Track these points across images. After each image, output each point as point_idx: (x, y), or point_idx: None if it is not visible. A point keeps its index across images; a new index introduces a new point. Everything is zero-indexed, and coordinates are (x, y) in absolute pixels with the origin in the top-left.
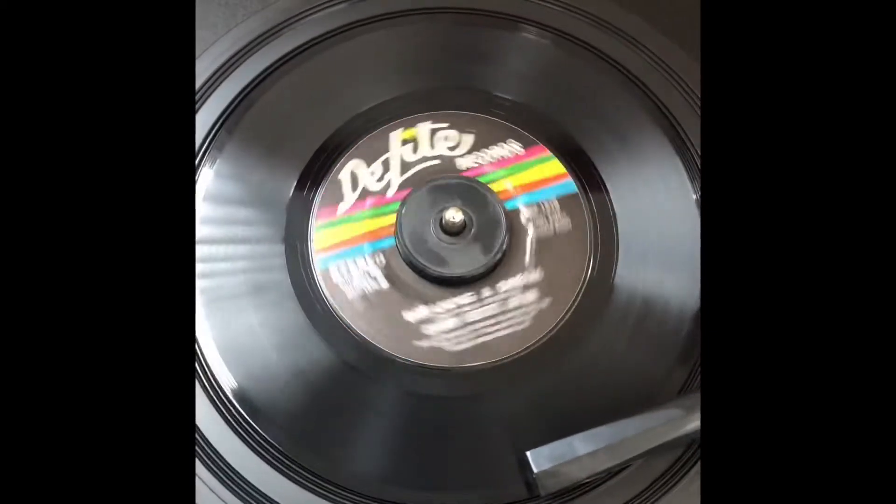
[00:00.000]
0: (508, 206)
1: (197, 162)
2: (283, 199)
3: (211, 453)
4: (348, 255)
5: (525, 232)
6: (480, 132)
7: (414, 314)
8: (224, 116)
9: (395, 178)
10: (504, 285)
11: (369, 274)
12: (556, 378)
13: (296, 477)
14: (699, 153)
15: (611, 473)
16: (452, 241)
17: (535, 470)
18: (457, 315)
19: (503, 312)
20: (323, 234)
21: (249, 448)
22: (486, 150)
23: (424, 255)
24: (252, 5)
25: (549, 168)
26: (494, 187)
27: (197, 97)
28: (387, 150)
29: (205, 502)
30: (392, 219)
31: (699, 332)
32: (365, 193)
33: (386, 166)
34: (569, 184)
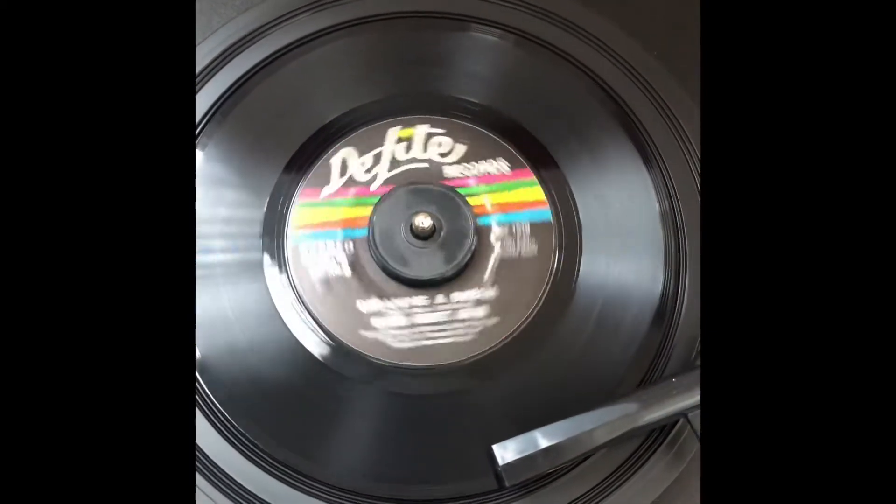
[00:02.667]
0: (482, 221)
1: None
2: (269, 181)
3: None
4: (321, 236)
5: (491, 250)
6: (474, 145)
7: (367, 305)
8: (207, 118)
9: (382, 172)
10: (458, 296)
11: (335, 258)
12: (520, 376)
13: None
14: (666, 166)
15: (574, 463)
16: (419, 244)
17: (499, 463)
18: (407, 315)
19: (450, 321)
20: (303, 213)
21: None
22: (474, 164)
23: (389, 252)
24: (227, 13)
25: (531, 193)
26: (473, 201)
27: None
28: (381, 145)
29: None
30: (370, 210)
31: (656, 330)
32: (351, 182)
33: (376, 160)
34: (545, 212)
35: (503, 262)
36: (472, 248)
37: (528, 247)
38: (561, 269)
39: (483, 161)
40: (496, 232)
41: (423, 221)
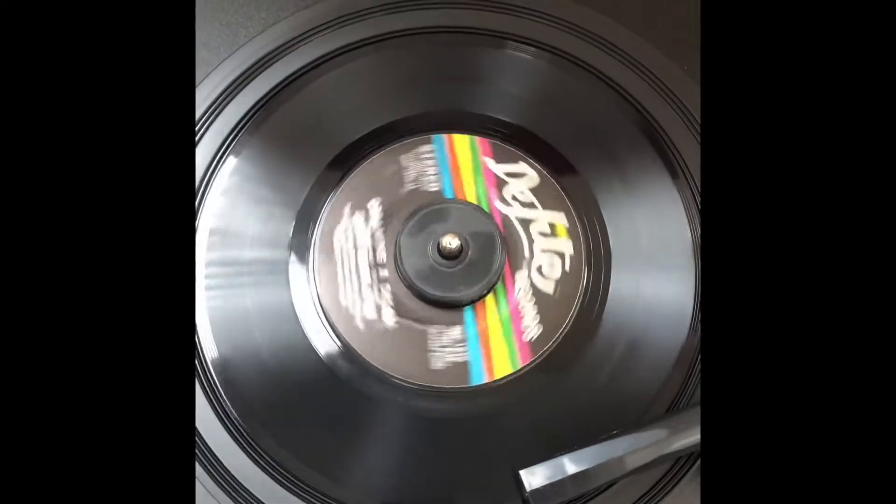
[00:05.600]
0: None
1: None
2: (299, 193)
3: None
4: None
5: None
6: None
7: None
8: (239, 129)
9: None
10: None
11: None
12: (545, 400)
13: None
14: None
15: (601, 489)
16: (444, 263)
17: (527, 488)
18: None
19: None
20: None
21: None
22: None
23: (410, 267)
24: (253, 27)
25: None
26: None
27: (209, 112)
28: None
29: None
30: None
31: (686, 354)
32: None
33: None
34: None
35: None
36: (500, 270)
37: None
38: (589, 291)
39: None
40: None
41: (451, 242)
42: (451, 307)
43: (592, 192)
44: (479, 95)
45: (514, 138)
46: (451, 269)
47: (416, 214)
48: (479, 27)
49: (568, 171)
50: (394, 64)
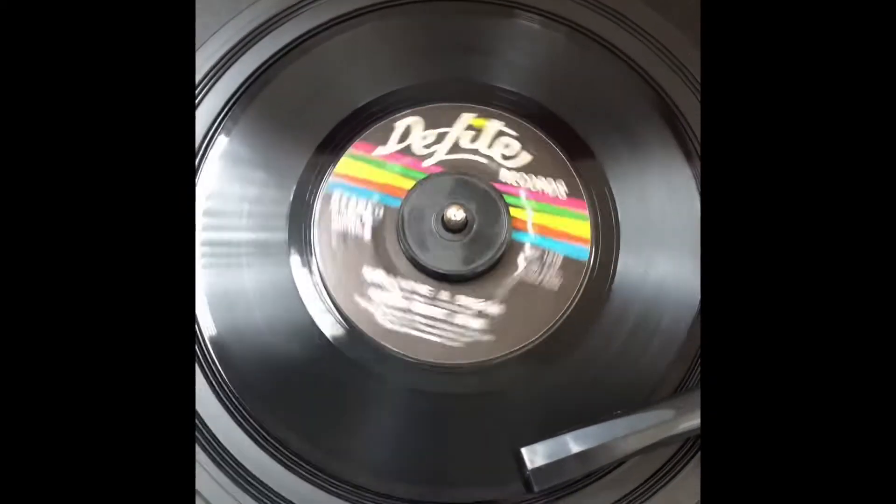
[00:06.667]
0: (517, 236)
1: (210, 130)
2: (298, 164)
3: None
4: (357, 192)
5: (514, 268)
6: (540, 157)
7: (371, 274)
8: (235, 98)
9: (441, 153)
10: (462, 300)
11: (361, 218)
12: (552, 379)
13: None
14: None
15: (606, 470)
16: (445, 235)
17: (528, 466)
18: (406, 298)
19: (444, 321)
20: (350, 163)
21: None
22: (533, 177)
23: (412, 232)
24: None
25: (578, 227)
26: (516, 212)
27: (206, 81)
28: (450, 126)
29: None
30: (412, 184)
31: (696, 335)
32: (407, 151)
33: (440, 138)
34: (583, 250)
35: (521, 285)
36: (497, 257)
37: (552, 279)
38: (597, 269)
39: (542, 177)
40: (526, 252)
41: (456, 214)
42: (454, 281)
43: (602, 168)
44: (488, 66)
45: (522, 111)
46: (456, 241)
47: (447, 175)
48: None
49: (578, 145)
50: (400, 31)
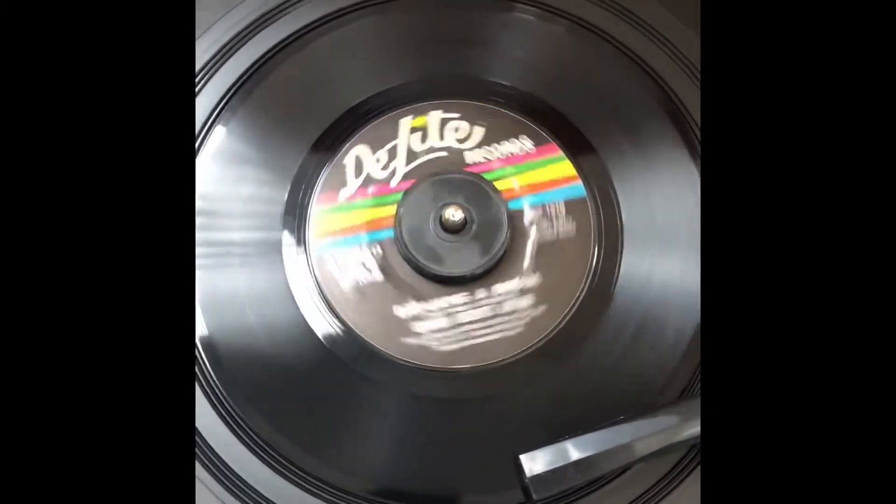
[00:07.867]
0: (513, 205)
1: (205, 124)
2: (294, 161)
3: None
4: (346, 243)
5: (527, 234)
6: (492, 125)
7: (405, 310)
8: (230, 95)
9: (401, 167)
10: (500, 288)
11: (364, 264)
12: (552, 382)
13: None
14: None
15: (608, 478)
16: (451, 238)
17: (527, 474)
18: (448, 315)
19: (496, 316)
20: (323, 220)
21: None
22: (496, 145)
23: (421, 252)
24: None
25: (560, 169)
26: (501, 185)
27: (200, 76)
28: (395, 138)
29: None
30: (393, 209)
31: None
32: (368, 181)
33: (392, 154)
34: (578, 187)
35: (542, 246)
36: (508, 235)
37: (566, 226)
38: (600, 270)
39: (504, 142)
40: (529, 215)
41: (454, 214)
42: (452, 283)
43: (606, 166)
44: (486, 61)
45: (521, 106)
46: (464, 239)
47: (414, 190)
48: None
49: (581, 143)
50: (397, 27)
